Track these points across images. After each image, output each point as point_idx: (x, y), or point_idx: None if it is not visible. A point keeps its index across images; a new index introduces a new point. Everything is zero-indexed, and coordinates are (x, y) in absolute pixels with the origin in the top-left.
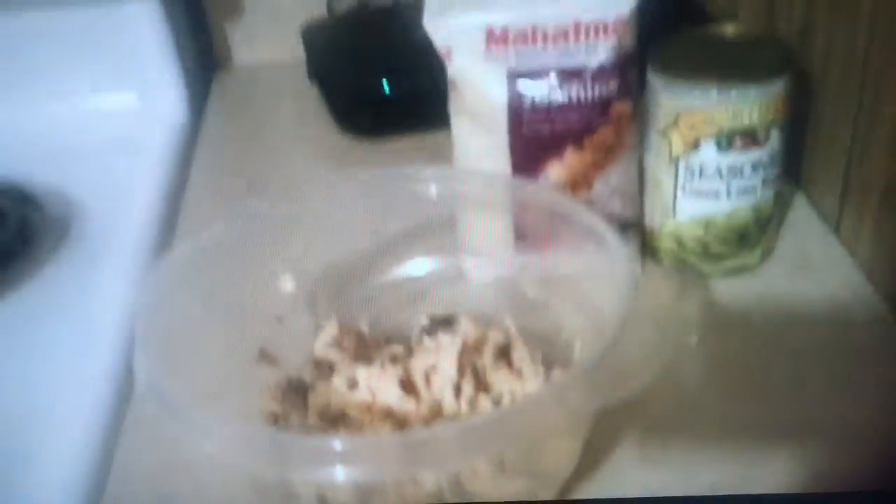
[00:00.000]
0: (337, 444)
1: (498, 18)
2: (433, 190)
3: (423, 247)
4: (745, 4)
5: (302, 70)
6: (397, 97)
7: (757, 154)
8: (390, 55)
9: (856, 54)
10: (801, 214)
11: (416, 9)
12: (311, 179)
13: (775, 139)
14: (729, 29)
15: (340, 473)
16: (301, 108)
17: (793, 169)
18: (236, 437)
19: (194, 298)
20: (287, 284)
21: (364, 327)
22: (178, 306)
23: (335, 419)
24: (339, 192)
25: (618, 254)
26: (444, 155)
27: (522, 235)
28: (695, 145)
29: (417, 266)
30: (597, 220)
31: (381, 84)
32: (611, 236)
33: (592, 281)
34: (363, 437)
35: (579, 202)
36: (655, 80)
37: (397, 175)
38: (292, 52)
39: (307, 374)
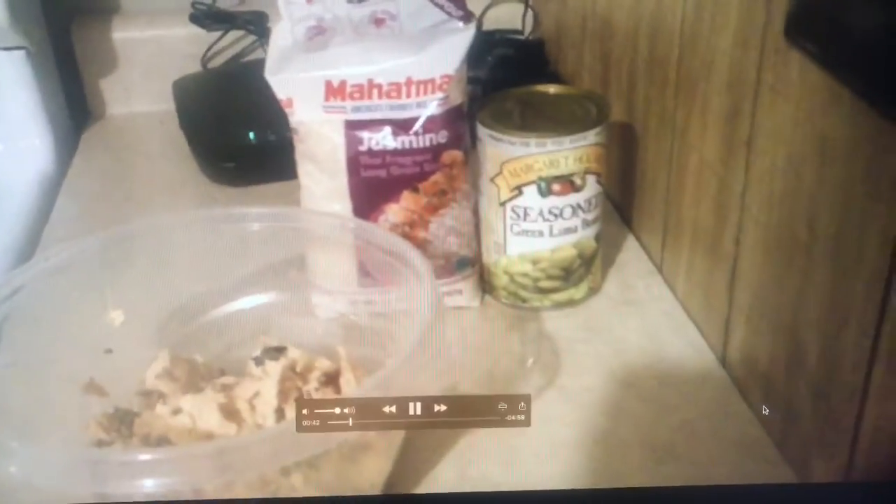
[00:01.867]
0: (144, 455)
1: (336, 73)
2: (273, 228)
3: (266, 283)
4: (587, 67)
5: (174, 120)
6: (263, 146)
7: (575, 198)
8: (257, 106)
9: (666, 114)
10: (631, 254)
11: None
12: (148, 218)
13: (592, 185)
14: (551, 88)
15: (150, 485)
16: (170, 158)
17: (625, 211)
18: (39, 457)
19: (22, 331)
20: (117, 318)
21: (199, 358)
22: (8, 338)
23: (157, 444)
24: (177, 229)
25: (427, 285)
26: None
27: (365, 272)
28: (518, 191)
29: (259, 300)
30: (417, 258)
31: (248, 134)
32: (424, 270)
33: (414, 313)
34: (171, 448)
35: (406, 242)
36: (482, 132)
37: (235, 215)
38: (166, 102)
39: (135, 404)
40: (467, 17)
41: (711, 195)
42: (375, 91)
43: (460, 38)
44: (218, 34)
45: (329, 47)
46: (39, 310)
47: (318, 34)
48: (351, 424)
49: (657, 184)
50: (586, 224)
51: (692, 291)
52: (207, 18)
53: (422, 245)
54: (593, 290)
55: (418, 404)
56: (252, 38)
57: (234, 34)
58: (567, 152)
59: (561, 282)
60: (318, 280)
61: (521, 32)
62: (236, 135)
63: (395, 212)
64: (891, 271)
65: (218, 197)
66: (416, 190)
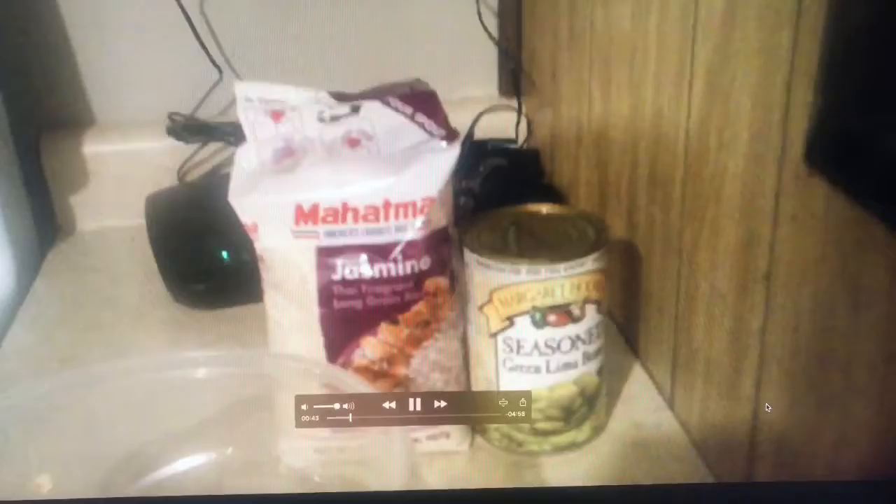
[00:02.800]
0: None
1: (308, 196)
2: (239, 374)
3: (216, 436)
4: (584, 180)
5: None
6: (237, 266)
7: (573, 329)
8: (234, 222)
9: (671, 234)
10: (638, 386)
11: None
12: (85, 367)
13: (592, 314)
14: (544, 208)
15: None
16: (139, 278)
17: (631, 336)
18: None
19: None
20: (43, 486)
21: None
22: None
23: None
24: (113, 380)
25: (397, 444)
26: None
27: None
28: (510, 321)
29: (215, 457)
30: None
31: (221, 253)
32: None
33: (385, 473)
34: None
35: (360, 382)
36: (469, 257)
37: (181, 360)
38: (141, 219)
39: None
40: (451, 136)
41: (726, 330)
42: (350, 215)
43: (443, 159)
44: (196, 146)
45: (299, 169)
46: None
47: (287, 156)
48: (351, 420)
49: (664, 310)
50: (587, 358)
51: (708, 435)
52: (185, 130)
53: (403, 383)
54: (598, 431)
55: (418, 400)
56: (232, 149)
57: (213, 146)
58: (563, 280)
59: (561, 423)
60: (285, 425)
61: (515, 141)
62: (208, 254)
63: (372, 346)
64: None
65: (186, 322)
66: (395, 322)
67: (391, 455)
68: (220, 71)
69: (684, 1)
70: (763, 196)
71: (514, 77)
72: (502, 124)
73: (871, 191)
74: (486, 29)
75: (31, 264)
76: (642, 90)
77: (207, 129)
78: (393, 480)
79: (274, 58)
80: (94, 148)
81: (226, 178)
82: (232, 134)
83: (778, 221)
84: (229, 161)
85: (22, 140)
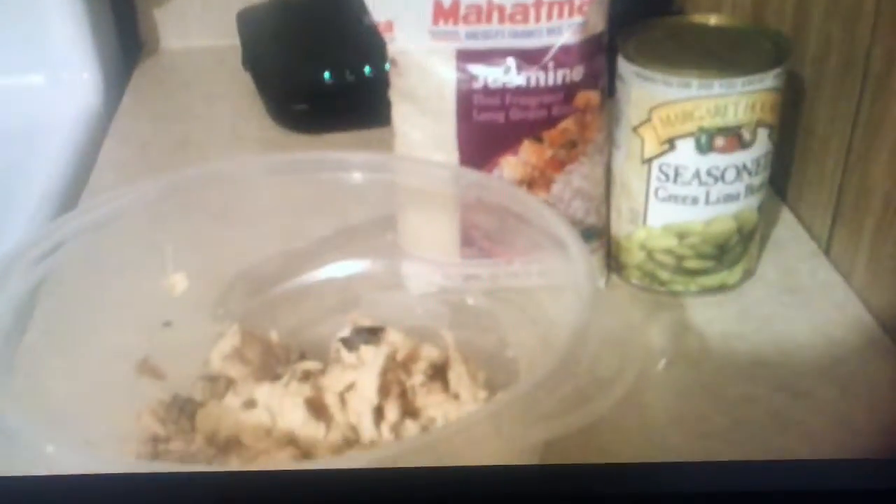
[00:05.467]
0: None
1: None
2: (369, 180)
3: (356, 247)
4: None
5: (237, 57)
6: (339, 88)
7: (741, 157)
8: (334, 42)
9: (856, 54)
10: (787, 232)
11: None
12: (218, 161)
13: (763, 141)
14: (712, 18)
15: None
16: (232, 99)
17: (779, 181)
18: (84, 468)
19: (61, 297)
20: (179, 284)
21: (274, 337)
22: (44, 305)
23: (225, 445)
24: (253, 177)
25: (579, 262)
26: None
27: (470, 240)
28: (670, 144)
29: (347, 268)
30: (557, 221)
31: (322, 73)
32: (573, 241)
33: (547, 292)
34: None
35: (537, 199)
36: (627, 69)
37: (325, 161)
38: (228, 37)
39: (198, 391)
40: None
41: None
42: (496, 13)
43: None
44: None
45: None
46: (83, 271)
47: None
48: None
49: (830, 143)
50: (751, 191)
51: (877, 284)
52: None
53: None
54: (748, 274)
55: None
56: None
57: None
58: (738, 97)
59: (713, 262)
60: (413, 246)
61: None
62: (309, 74)
63: (511, 166)
64: None
65: (286, 144)
66: (539, 140)
67: (568, 278)
68: None
69: None
70: None
71: None
72: None
73: None
74: None
75: (117, 79)
76: None
77: None
78: (572, 309)
79: None
80: None
81: None
82: None
83: None
84: None
85: None
